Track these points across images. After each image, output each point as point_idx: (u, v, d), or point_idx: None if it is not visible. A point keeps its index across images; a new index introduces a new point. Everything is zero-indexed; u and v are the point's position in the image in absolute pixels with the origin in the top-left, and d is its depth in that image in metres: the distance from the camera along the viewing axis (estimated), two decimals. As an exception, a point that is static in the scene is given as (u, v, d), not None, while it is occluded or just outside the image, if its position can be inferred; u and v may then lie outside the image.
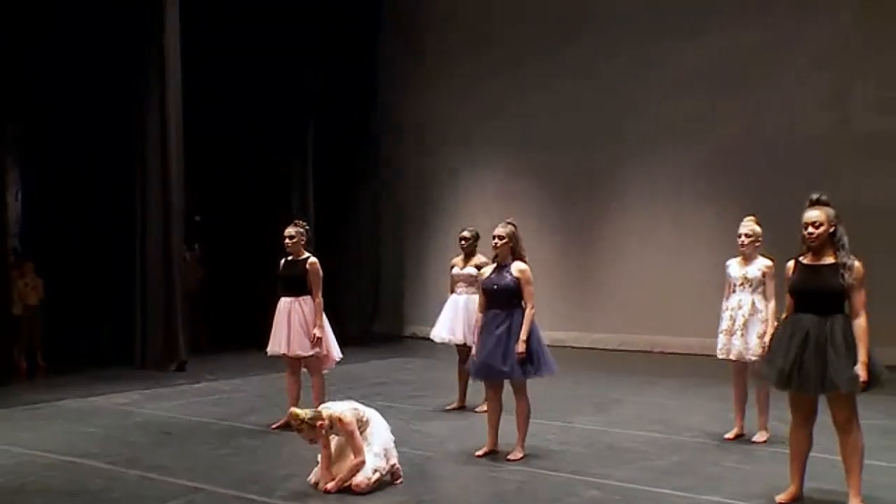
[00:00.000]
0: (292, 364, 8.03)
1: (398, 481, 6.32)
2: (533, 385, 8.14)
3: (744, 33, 13.79)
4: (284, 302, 7.95)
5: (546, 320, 12.06)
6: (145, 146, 12.50)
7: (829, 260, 5.32)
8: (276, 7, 14.34)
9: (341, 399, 6.93)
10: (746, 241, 7.30)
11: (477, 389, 9.22)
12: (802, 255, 5.47)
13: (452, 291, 9.10)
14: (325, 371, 8.17)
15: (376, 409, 7.28)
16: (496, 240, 6.89)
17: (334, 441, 6.35)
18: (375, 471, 6.16)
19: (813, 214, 5.35)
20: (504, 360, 6.61)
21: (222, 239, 14.49)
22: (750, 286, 7.31)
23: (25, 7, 11.82)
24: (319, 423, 6.16)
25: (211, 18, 13.45)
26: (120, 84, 12.56)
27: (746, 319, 7.30)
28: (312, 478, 6.38)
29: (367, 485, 6.07)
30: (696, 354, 13.39)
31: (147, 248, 12.69)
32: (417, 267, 16.46)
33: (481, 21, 15.65)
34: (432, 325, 16.34)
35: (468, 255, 8.87)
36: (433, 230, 16.32)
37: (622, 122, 14.73)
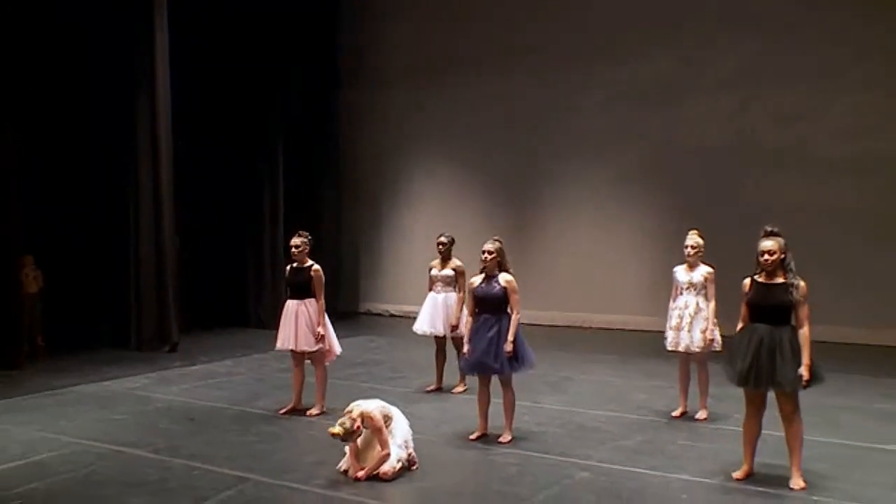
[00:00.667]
0: (297, 357, 8.20)
1: (414, 467, 6.53)
2: None
3: (661, 59, 14.02)
4: (291, 304, 8.14)
5: None
6: (137, 146, 12.29)
7: (780, 280, 5.81)
8: (253, 38, 14.19)
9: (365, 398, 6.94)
10: (692, 251, 7.80)
11: (452, 372, 9.46)
12: (757, 274, 5.89)
13: (431, 290, 9.25)
14: (326, 363, 8.28)
15: (367, 392, 7.97)
16: (486, 254, 7.17)
17: (361, 435, 6.51)
18: (399, 460, 6.41)
19: (768, 244, 5.81)
20: (495, 358, 6.94)
21: (202, 231, 14.28)
22: (695, 289, 7.78)
23: (26, 10, 11.34)
24: (356, 426, 6.37)
25: (196, 39, 13.27)
26: (114, 88, 12.31)
27: (692, 318, 7.75)
28: (343, 465, 6.56)
29: (393, 473, 6.31)
30: (614, 329, 14.16)
31: (140, 238, 12.46)
32: (371, 253, 16.54)
33: (435, 47, 15.67)
34: (384, 302, 16.71)
35: (445, 259, 9.14)
36: (387, 224, 16.52)
37: (557, 135, 14.89)
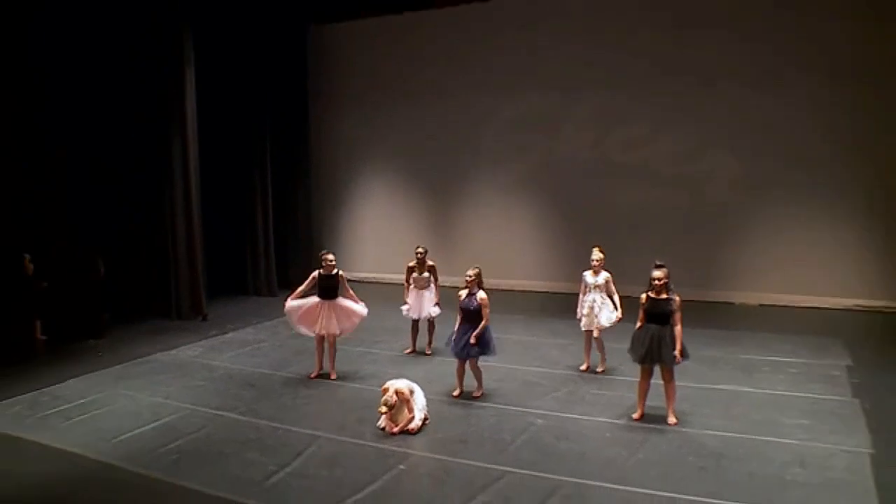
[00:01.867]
0: (319, 337, 8.58)
1: (427, 421, 7.00)
2: (445, 328, 9.28)
3: (546, 98, 14.17)
4: (321, 300, 8.53)
5: None
6: (172, 156, 11.97)
7: (664, 296, 6.74)
8: (248, 69, 14.03)
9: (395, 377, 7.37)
10: (596, 264, 8.54)
11: (421, 339, 9.77)
12: (650, 291, 6.82)
13: (407, 282, 9.65)
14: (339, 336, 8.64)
15: (363, 354, 9.13)
16: (469, 277, 7.79)
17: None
18: (420, 420, 6.93)
19: (658, 273, 6.78)
20: (469, 349, 7.62)
21: (211, 215, 13.55)
22: (599, 289, 8.52)
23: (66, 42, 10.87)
24: (394, 400, 6.83)
25: (206, 70, 12.79)
26: (151, 104, 11.96)
27: (600, 309, 8.50)
28: (381, 423, 6.93)
29: (417, 428, 6.84)
30: (515, 290, 14.20)
31: (176, 230, 12.13)
32: (331, 231, 16.36)
33: (382, 78, 15.57)
34: (341, 270, 16.49)
35: (421, 264, 9.55)
36: (344, 209, 16.48)
37: (472, 148, 15.02)
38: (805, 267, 12.61)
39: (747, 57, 12.63)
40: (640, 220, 13.58)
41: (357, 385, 8.45)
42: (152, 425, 7.18)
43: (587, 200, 14.13)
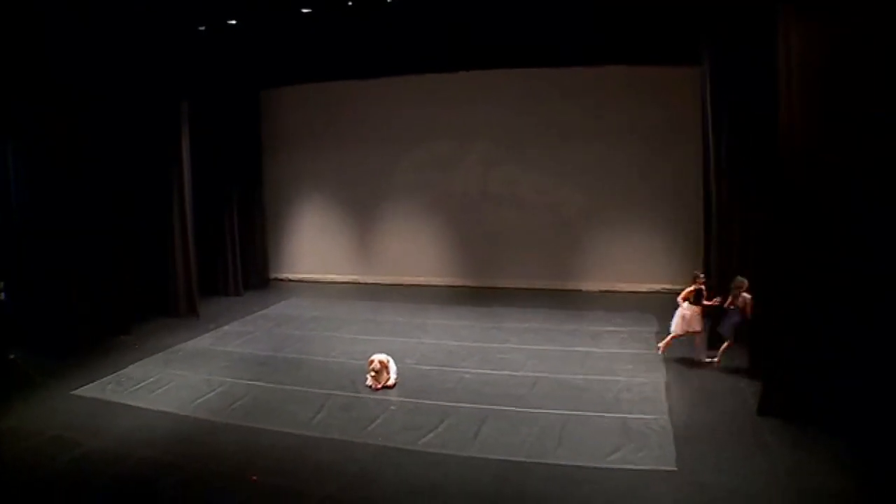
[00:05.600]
0: None
1: (397, 381, 8.42)
2: (372, 315, 10.94)
3: (444, 145, 15.43)
4: None
5: (348, 268, 15.87)
6: (171, 179, 12.57)
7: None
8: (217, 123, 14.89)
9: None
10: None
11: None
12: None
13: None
14: None
15: (331, 337, 9.98)
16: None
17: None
18: (394, 380, 8.42)
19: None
20: None
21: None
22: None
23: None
24: (379, 367, 8.26)
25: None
26: (157, 136, 12.52)
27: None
28: (368, 382, 8.30)
29: (394, 384, 8.32)
30: (422, 285, 15.46)
31: (174, 239, 12.50)
32: (277, 240, 17.12)
33: (318, 126, 16.33)
34: (284, 272, 17.04)
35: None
36: (290, 221, 17.24)
37: (387, 181, 16.03)
38: (629, 263, 14.36)
39: (588, 121, 14.36)
40: (513, 233, 15.08)
41: (341, 360, 9.74)
42: (213, 393, 8.28)
43: (474, 219, 15.41)
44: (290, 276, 17.01)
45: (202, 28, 11.86)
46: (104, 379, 8.99)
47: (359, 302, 13.72)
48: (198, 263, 13.09)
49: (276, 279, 16.81)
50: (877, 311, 6.46)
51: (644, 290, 14.15)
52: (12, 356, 9.18)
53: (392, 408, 7.91)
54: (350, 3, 10.81)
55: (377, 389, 8.32)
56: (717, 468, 6.29)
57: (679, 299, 9.47)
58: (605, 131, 14.28)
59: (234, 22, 11.53)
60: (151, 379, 8.96)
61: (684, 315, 9.21)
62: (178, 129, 12.80)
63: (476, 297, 14.13)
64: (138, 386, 8.74)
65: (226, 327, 11.86)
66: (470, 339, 10.53)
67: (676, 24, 11.31)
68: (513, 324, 11.34)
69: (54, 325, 10.22)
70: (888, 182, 6.38)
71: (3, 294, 10.01)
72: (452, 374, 8.85)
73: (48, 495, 6.03)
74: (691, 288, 9.51)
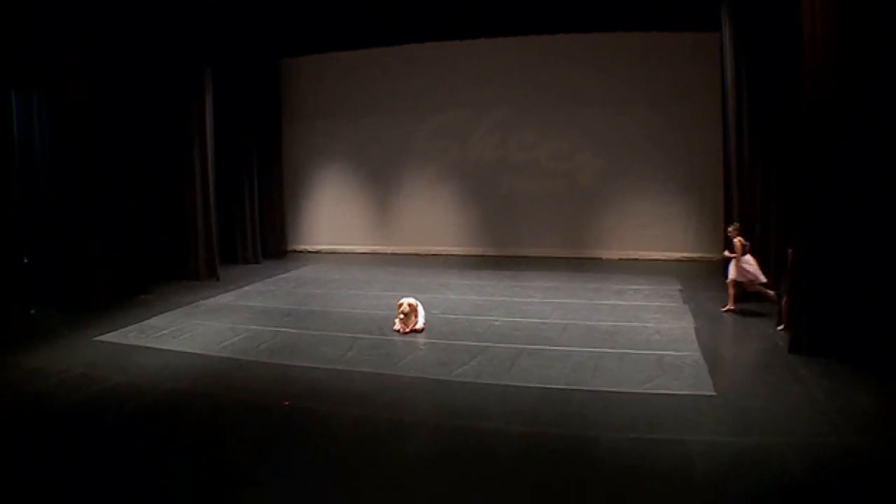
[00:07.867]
0: None
1: (425, 326, 8.34)
2: (394, 277, 10.86)
3: (461, 113, 15.49)
4: None
5: (367, 238, 15.80)
6: (192, 158, 12.57)
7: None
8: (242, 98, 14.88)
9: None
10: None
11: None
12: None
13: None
14: None
15: (355, 295, 9.92)
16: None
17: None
18: (422, 325, 8.35)
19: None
20: None
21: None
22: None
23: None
24: (408, 310, 8.21)
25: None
26: (180, 100, 12.49)
27: None
28: (396, 326, 8.23)
29: (422, 329, 8.24)
30: (439, 254, 15.43)
31: (196, 207, 12.47)
32: (296, 212, 17.09)
33: (338, 97, 16.32)
34: (302, 244, 17.00)
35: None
36: (308, 193, 17.17)
37: (406, 149, 16.01)
38: (648, 231, 14.30)
39: (605, 88, 14.62)
40: (530, 201, 15.08)
41: (367, 311, 9.87)
42: (239, 337, 8.15)
43: (491, 187, 15.32)
44: (308, 247, 16.91)
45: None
46: (127, 328, 8.84)
47: (379, 268, 13.67)
48: (218, 229, 12.98)
49: (294, 251, 16.67)
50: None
51: (663, 258, 14.21)
52: (32, 311, 9.36)
53: (422, 347, 7.81)
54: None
55: (405, 333, 8.20)
56: (755, 394, 6.19)
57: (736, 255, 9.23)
58: (622, 98, 14.32)
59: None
60: (174, 327, 8.84)
61: (747, 266, 8.97)
62: (201, 94, 12.72)
63: (496, 264, 14.09)
64: (161, 333, 8.58)
65: (246, 287, 11.78)
66: (495, 295, 10.51)
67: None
68: (536, 283, 11.30)
69: (75, 284, 10.19)
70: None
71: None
72: (481, 322, 8.72)
73: (78, 423, 5.85)
74: (739, 238, 9.25)
